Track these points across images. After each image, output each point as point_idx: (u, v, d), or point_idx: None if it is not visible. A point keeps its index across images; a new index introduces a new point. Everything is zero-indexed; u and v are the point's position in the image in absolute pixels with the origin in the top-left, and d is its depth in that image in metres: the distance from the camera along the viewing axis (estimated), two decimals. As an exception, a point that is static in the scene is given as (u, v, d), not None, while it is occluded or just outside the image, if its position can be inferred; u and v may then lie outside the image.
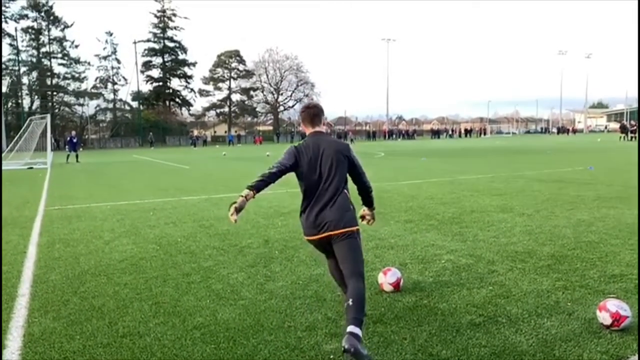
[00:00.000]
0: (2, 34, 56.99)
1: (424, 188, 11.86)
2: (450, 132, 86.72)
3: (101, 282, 4.91)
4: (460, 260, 5.34)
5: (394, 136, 78.56)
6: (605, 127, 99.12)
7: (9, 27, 60.87)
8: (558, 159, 21.54)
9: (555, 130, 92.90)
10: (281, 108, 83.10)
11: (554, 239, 6.24)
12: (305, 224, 3.54)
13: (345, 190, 3.56)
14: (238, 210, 3.33)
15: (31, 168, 22.02)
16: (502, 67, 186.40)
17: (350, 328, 3.04)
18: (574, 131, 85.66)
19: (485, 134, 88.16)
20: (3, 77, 57.93)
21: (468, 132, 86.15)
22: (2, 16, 55.06)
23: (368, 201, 3.89)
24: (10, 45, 61.06)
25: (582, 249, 5.67)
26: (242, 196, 3.37)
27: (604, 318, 3.47)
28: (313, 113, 3.67)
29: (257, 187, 3.43)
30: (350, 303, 3.21)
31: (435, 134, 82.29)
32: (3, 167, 22.23)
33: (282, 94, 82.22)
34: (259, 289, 4.55)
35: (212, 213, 8.81)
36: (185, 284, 4.79)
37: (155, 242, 6.59)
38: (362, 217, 3.93)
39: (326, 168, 3.50)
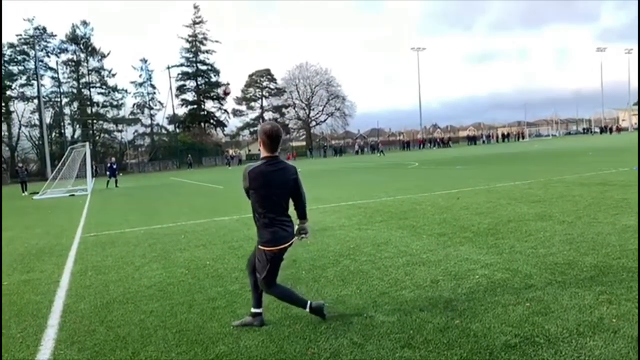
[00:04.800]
0: (37, 67, 59.41)
1: (459, 198, 11.52)
2: (487, 138, 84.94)
3: (128, 310, 4.90)
4: (495, 275, 5.08)
5: (429, 145, 77.54)
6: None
7: (51, 61, 63.86)
8: (601, 160, 20.64)
9: (597, 129, 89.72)
10: (313, 123, 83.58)
11: (597, 247, 5.87)
12: (271, 237, 3.96)
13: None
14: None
15: (72, 195, 22.70)
16: (539, 67, 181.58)
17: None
18: (618, 130, 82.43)
19: (523, 137, 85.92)
20: (46, 109, 60.50)
21: (505, 136, 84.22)
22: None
23: (302, 213, 4.22)
24: (52, 78, 63.97)
25: (629, 258, 5.30)
26: None
27: (654, 336, 3.17)
28: (275, 140, 3.95)
29: None
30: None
31: (472, 140, 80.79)
32: (47, 196, 23.05)
33: (313, 109, 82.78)
34: (283, 313, 4.42)
35: (242, 234, 8.78)
36: (210, 309, 4.71)
37: (184, 266, 6.58)
38: (298, 233, 4.21)
39: (281, 190, 3.96)
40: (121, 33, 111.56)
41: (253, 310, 4.20)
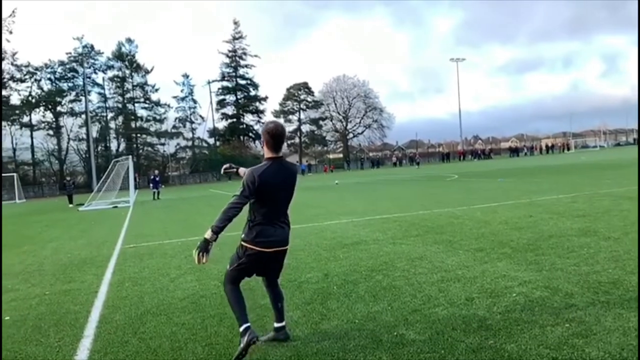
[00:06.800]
0: (85, 84, 61.97)
1: (498, 212, 11.21)
2: (529, 150, 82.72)
3: (161, 322, 4.96)
4: (533, 293, 4.87)
5: (470, 157, 76.18)
6: None
7: (98, 77, 66.65)
8: (651, 173, 19.70)
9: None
10: (350, 135, 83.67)
11: (645, 265, 5.56)
12: (261, 238, 3.79)
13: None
14: (204, 251, 3.68)
15: (115, 207, 23.43)
16: (585, 76, 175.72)
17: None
18: (671, 140, 78.68)
19: (568, 149, 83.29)
20: (93, 123, 62.94)
21: (550, 148, 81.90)
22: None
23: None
24: (99, 93, 66.73)
25: (680, 277, 4.98)
26: (207, 240, 3.68)
27: None
28: (278, 139, 3.80)
29: (221, 230, 3.71)
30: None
31: (514, 152, 78.95)
32: (92, 208, 23.88)
33: (350, 122, 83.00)
34: (312, 329, 4.37)
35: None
36: (240, 323, 4.71)
37: (217, 279, 6.61)
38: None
39: (285, 192, 3.87)
40: (163, 48, 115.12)
41: (276, 325, 4.15)
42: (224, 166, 4.74)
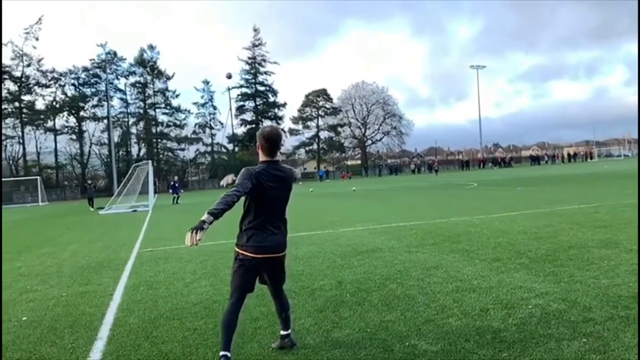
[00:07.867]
0: (107, 89, 63.05)
1: (517, 221, 11.04)
2: (551, 158, 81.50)
3: (173, 326, 4.98)
4: (550, 306, 4.77)
5: (490, 165, 75.40)
6: None
7: (120, 83, 67.80)
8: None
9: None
10: (369, 142, 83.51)
11: (668, 279, 5.40)
12: (251, 243, 3.73)
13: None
14: (199, 229, 3.35)
15: (135, 211, 23.71)
16: (609, 83, 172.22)
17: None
18: (698, 150, 76.79)
19: (591, 157, 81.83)
20: (115, 128, 63.96)
21: (572, 156, 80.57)
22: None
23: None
24: (121, 99, 67.82)
25: None
26: (203, 221, 3.41)
27: None
28: (273, 143, 3.78)
29: (218, 213, 3.47)
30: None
31: (535, 160, 77.88)
32: (112, 211, 24.22)
33: (369, 128, 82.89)
34: (324, 337, 4.34)
35: (290, 253, 8.77)
36: (252, 329, 4.71)
37: (231, 284, 6.64)
38: None
39: (280, 197, 3.82)
40: (183, 54, 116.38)
41: (282, 332, 4.13)
42: (227, 179, 4.11)
